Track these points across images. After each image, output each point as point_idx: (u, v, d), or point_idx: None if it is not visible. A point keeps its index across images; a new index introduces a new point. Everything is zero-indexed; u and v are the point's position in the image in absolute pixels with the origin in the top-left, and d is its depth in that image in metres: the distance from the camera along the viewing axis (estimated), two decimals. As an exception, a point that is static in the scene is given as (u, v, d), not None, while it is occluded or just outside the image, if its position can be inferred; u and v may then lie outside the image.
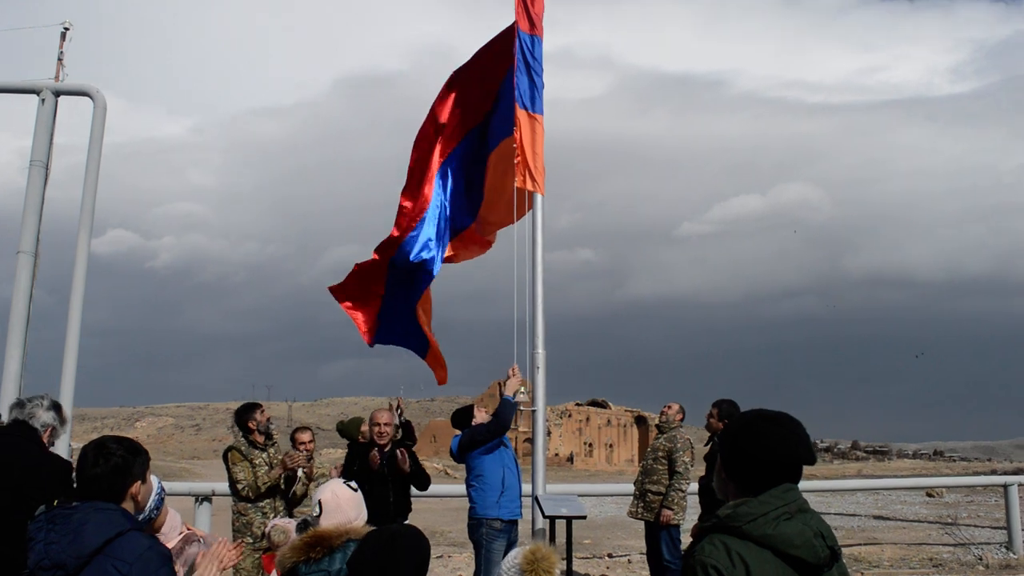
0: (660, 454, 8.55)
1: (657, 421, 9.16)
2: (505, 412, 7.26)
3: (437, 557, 12.86)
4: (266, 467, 7.05)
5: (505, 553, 7.16)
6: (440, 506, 18.64)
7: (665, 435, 8.78)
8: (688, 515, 8.55)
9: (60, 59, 9.08)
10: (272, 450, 7.24)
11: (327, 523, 3.49)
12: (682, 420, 8.98)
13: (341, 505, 3.59)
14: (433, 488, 14.61)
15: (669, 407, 9.00)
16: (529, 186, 7.49)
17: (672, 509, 8.36)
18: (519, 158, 7.40)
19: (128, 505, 3.00)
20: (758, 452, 2.45)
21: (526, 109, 7.54)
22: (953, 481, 21.85)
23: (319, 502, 3.60)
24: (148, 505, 3.33)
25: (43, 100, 8.79)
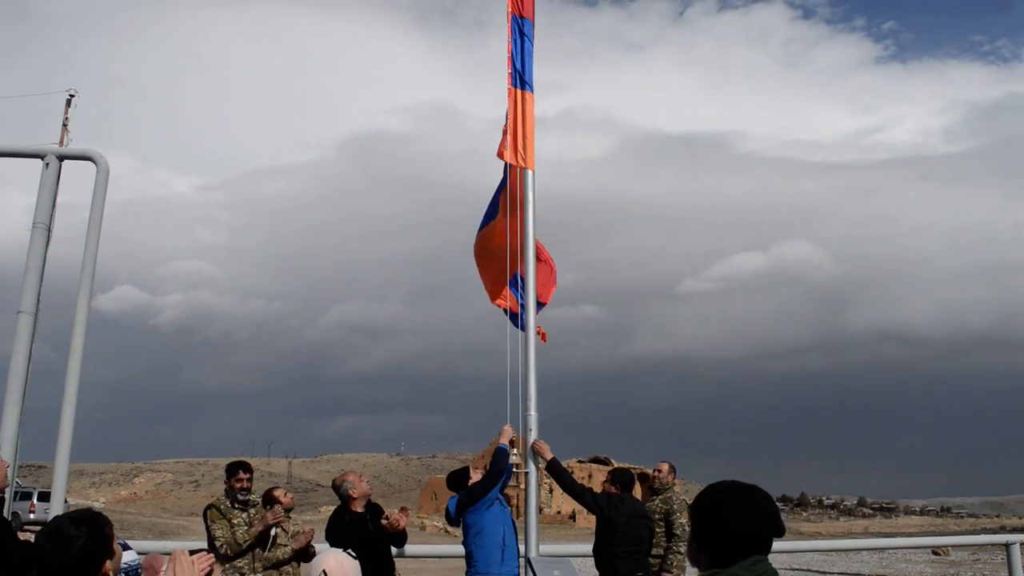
0: (657, 516, 8.48)
1: (650, 484, 9.10)
2: (499, 460, 7.27)
3: (433, 618, 12.70)
4: (245, 527, 7.01)
5: None
6: (437, 566, 18.45)
7: (660, 496, 8.73)
8: None
9: (65, 124, 9.31)
10: (253, 510, 7.19)
11: None
12: (674, 479, 8.96)
13: (347, 574, 3.58)
14: (432, 548, 14.50)
15: (660, 468, 8.93)
16: (521, 162, 7.71)
17: (671, 573, 8.30)
18: (510, 136, 7.67)
19: None
20: (727, 526, 2.53)
21: (517, 88, 7.80)
22: (955, 540, 21.66)
23: (324, 572, 3.55)
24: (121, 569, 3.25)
25: (47, 164, 8.99)
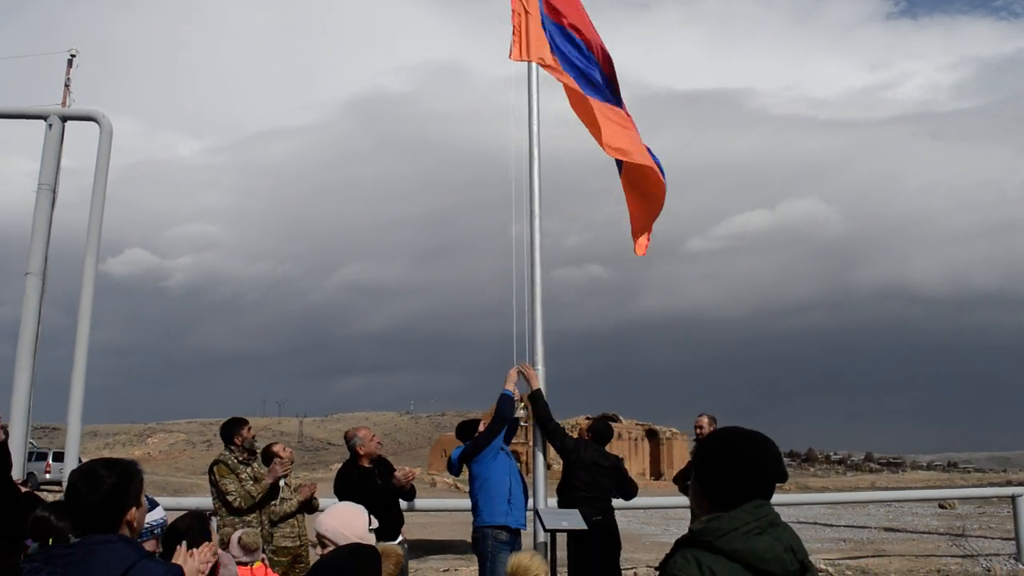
0: None
1: (695, 437, 8.93)
2: (503, 406, 7.30)
3: (444, 571, 12.90)
4: (251, 481, 7.08)
5: None
6: (449, 520, 18.69)
7: None
8: None
9: (67, 85, 9.28)
10: (256, 464, 7.28)
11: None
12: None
13: (344, 515, 3.63)
14: (442, 502, 14.66)
15: (699, 424, 8.86)
16: (526, 56, 7.80)
17: None
18: (517, 33, 7.76)
19: (124, 532, 2.82)
20: (730, 471, 2.53)
21: None
22: (962, 493, 21.80)
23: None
24: (143, 528, 3.19)
25: (50, 125, 8.97)
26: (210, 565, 3.27)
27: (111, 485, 2.79)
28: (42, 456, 36.89)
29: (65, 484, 2.96)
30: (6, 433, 8.09)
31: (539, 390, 7.42)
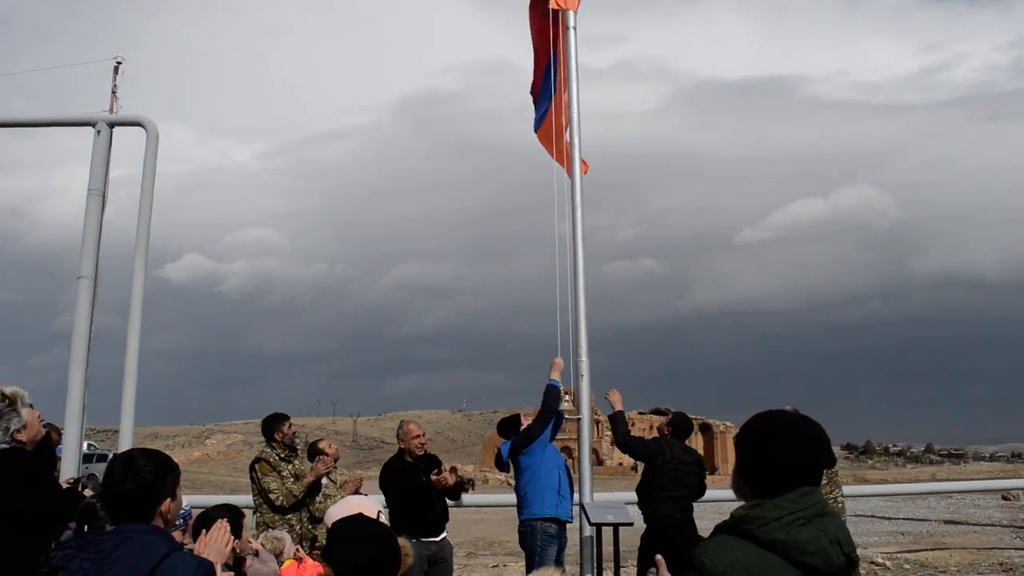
0: None
1: None
2: (550, 397, 7.27)
3: (492, 567, 12.89)
4: (293, 479, 7.02)
5: (558, 557, 7.17)
6: (498, 516, 18.70)
7: None
8: None
9: (114, 92, 9.46)
10: (297, 462, 7.22)
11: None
12: None
13: (351, 509, 3.56)
14: (492, 498, 14.66)
15: None
16: (563, 4, 8.00)
17: None
18: None
19: (157, 523, 2.84)
20: (778, 456, 2.38)
21: None
22: (1025, 483, 21.13)
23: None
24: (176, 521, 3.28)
25: (98, 132, 9.15)
26: (229, 548, 3.21)
27: (149, 473, 2.82)
28: (103, 458, 37.88)
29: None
30: (59, 435, 8.26)
31: (621, 412, 7.52)
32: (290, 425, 7.27)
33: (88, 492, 5.35)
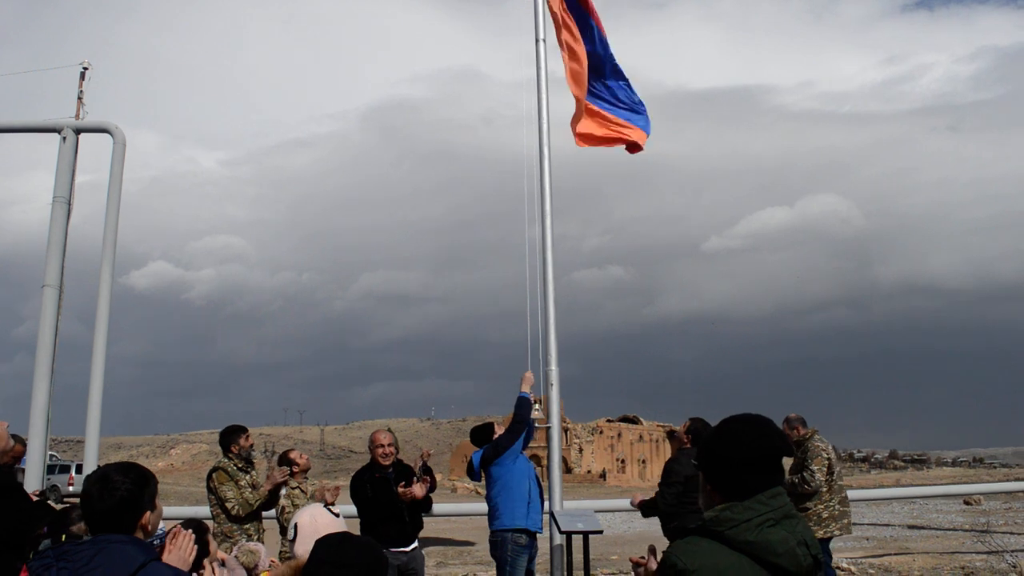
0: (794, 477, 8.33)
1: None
2: (521, 409, 7.30)
3: (463, 576, 12.87)
4: (250, 489, 7.05)
5: (529, 566, 7.19)
6: (469, 525, 18.67)
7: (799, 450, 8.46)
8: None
9: (80, 98, 9.34)
10: (254, 473, 7.24)
11: (301, 548, 3.40)
12: (802, 433, 8.53)
13: (319, 530, 3.49)
14: (463, 507, 14.64)
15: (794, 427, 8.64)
16: None
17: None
18: None
19: (138, 535, 2.86)
20: (734, 452, 2.46)
21: None
22: (985, 488, 21.57)
23: (295, 525, 3.52)
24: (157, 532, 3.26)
25: (64, 138, 9.04)
26: (192, 556, 3.19)
27: (125, 490, 2.83)
28: (65, 468, 37.21)
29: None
30: (24, 447, 8.13)
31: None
32: (247, 438, 7.31)
33: (36, 499, 5.28)
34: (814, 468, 8.19)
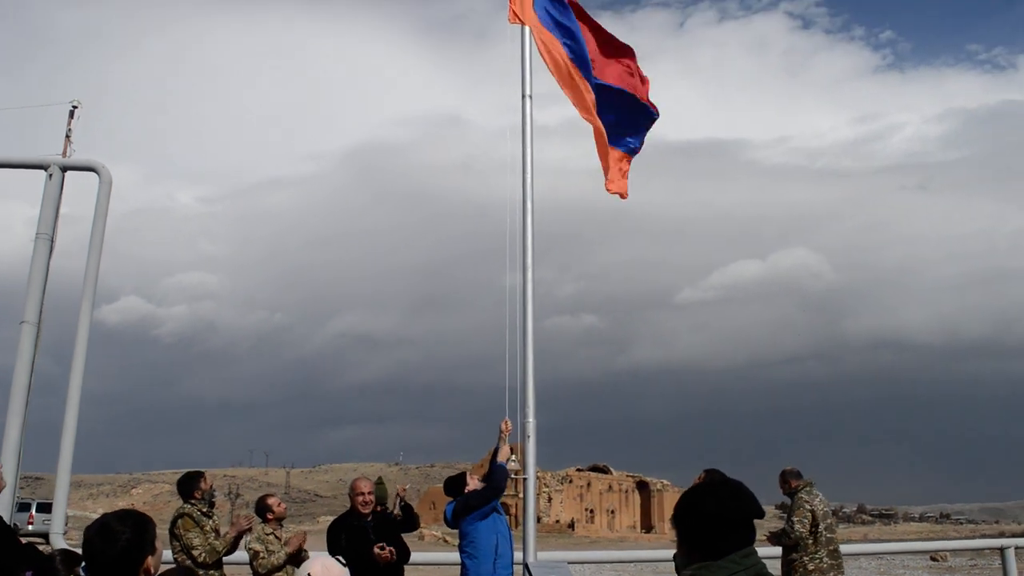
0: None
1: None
2: (497, 477, 7.36)
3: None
4: (214, 534, 7.01)
5: None
6: (437, 573, 18.48)
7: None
8: None
9: (68, 136, 9.42)
10: (216, 517, 7.20)
11: None
12: (795, 485, 8.71)
13: None
14: (431, 556, 14.52)
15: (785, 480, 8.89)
16: (521, 21, 8.58)
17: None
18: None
19: None
20: (708, 513, 2.61)
21: None
22: (951, 545, 21.76)
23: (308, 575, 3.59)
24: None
25: (50, 175, 9.09)
26: None
27: (126, 539, 2.88)
28: (25, 507, 36.25)
29: (51, 536, 3.00)
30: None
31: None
32: (206, 480, 7.31)
33: (25, 541, 5.25)
34: (795, 520, 8.39)
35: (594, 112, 8.98)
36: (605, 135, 9.18)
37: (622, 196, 9.55)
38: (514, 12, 8.60)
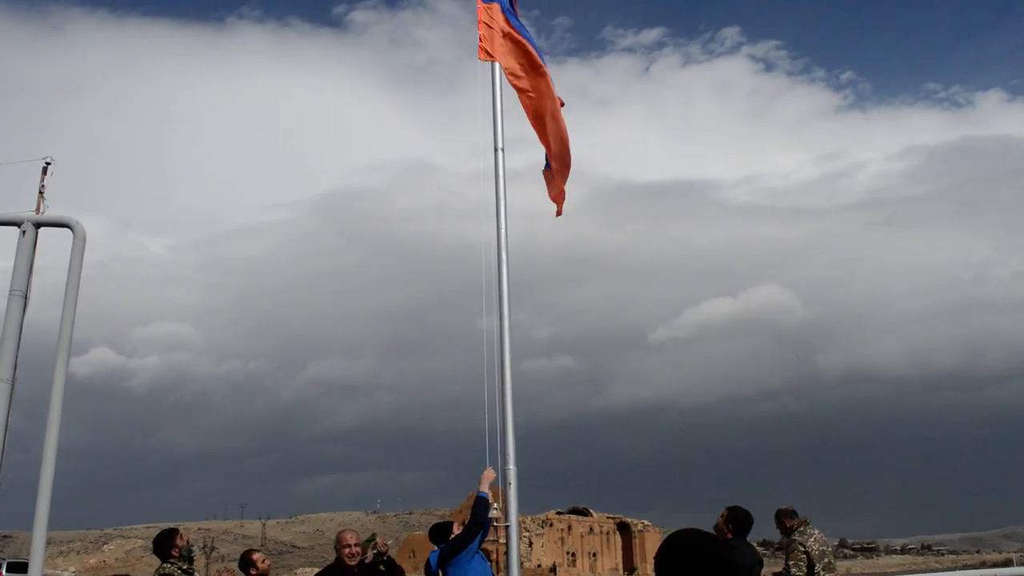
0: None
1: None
2: (479, 509, 7.32)
3: None
4: None
5: None
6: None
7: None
8: None
9: (41, 192, 9.34)
10: (197, 574, 7.20)
11: None
12: (792, 525, 8.63)
13: None
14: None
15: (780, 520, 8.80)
16: (489, 58, 8.87)
17: None
18: (485, 41, 8.87)
19: None
20: (685, 567, 2.61)
21: (485, 2, 9.08)
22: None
23: None
24: None
25: (23, 232, 9.02)
26: None
27: None
28: (-6, 567, 35.40)
29: None
30: None
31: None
32: (182, 536, 7.24)
33: None
34: (790, 564, 8.32)
35: (566, 136, 9.33)
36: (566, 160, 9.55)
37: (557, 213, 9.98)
38: (484, 49, 8.85)
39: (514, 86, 9.07)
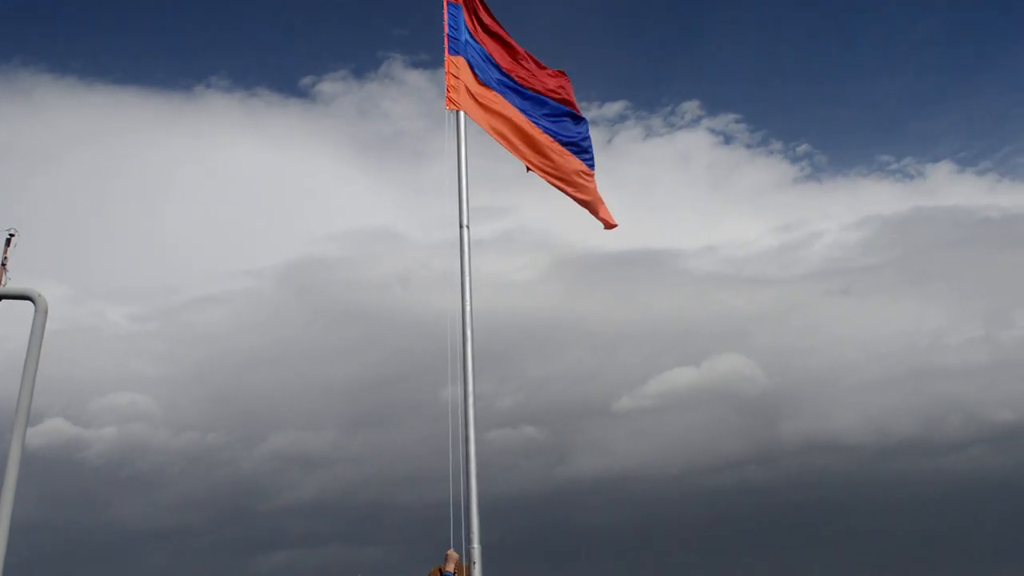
0: None
1: None
2: None
3: None
4: None
5: None
6: None
7: None
8: None
9: (3, 264, 9.33)
10: None
11: None
12: None
13: None
14: None
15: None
16: (456, 107, 9.24)
17: None
18: (451, 90, 9.20)
19: None
20: None
21: (452, 55, 9.41)
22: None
23: None
24: None
25: (-15, 304, 8.94)
26: None
27: None
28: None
29: None
30: None
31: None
32: None
33: None
34: None
35: (554, 158, 9.60)
36: (564, 180, 9.79)
37: (608, 225, 10.37)
38: (450, 99, 9.14)
39: (491, 129, 9.42)
